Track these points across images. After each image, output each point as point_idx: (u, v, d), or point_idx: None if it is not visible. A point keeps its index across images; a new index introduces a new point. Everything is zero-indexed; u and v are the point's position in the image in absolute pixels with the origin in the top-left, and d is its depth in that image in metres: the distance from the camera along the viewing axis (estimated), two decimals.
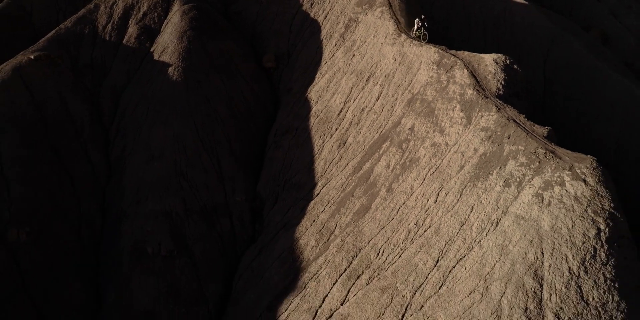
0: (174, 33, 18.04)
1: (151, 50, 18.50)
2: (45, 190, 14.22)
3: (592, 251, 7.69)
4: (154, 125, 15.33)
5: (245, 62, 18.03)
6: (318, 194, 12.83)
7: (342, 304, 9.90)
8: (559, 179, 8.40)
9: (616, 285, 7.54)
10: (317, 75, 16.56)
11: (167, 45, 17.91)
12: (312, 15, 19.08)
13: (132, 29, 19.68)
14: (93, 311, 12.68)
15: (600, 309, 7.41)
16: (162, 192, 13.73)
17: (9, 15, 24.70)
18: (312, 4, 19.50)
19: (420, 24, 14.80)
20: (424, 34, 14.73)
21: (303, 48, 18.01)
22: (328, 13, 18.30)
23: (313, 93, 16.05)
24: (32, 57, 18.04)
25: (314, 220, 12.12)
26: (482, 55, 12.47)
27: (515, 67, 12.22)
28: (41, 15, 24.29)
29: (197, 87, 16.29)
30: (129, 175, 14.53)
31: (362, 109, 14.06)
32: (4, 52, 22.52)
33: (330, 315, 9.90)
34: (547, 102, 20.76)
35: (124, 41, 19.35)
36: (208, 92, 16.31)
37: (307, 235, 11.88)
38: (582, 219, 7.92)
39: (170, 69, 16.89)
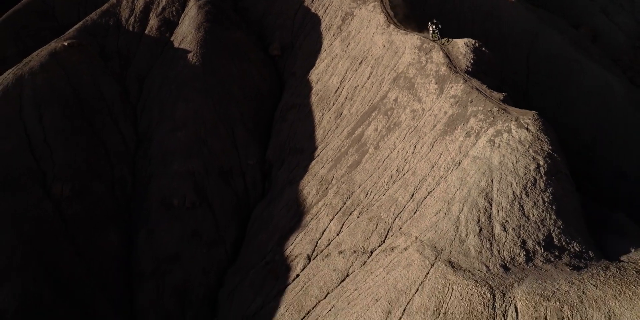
0: (192, 24, 20.46)
1: (171, 39, 20.91)
2: (83, 156, 16.54)
3: (532, 180, 10.07)
4: (177, 102, 17.70)
5: (254, 50, 20.49)
6: (318, 155, 15.24)
7: (337, 235, 12.27)
8: (507, 128, 10.82)
9: (553, 207, 9.89)
10: (317, 61, 19.01)
11: (186, 35, 20.33)
12: (312, 10, 21.55)
13: (153, 21, 22.10)
14: (125, 254, 15.00)
15: (539, 223, 9.76)
16: (186, 156, 16.10)
17: (35, 10, 27.19)
18: (312, 0, 21.97)
19: (434, 27, 15.98)
20: (438, 36, 15.73)
21: (305, 38, 20.47)
22: (327, 8, 20.77)
23: (314, 76, 18.49)
24: (66, 44, 20.41)
25: (314, 175, 14.51)
26: (456, 39, 14.95)
27: (483, 49, 14.69)
28: (63, 10, 26.76)
29: (213, 70, 18.70)
30: (156, 144, 16.89)
31: (355, 87, 16.49)
32: (32, 42, 25.14)
33: (328, 244, 12.26)
34: (529, 89, 22.92)
35: (146, 32, 21.76)
36: (223, 75, 18.72)
37: (309, 187, 14.26)
38: (524, 156, 10.31)
39: (189, 55, 19.29)
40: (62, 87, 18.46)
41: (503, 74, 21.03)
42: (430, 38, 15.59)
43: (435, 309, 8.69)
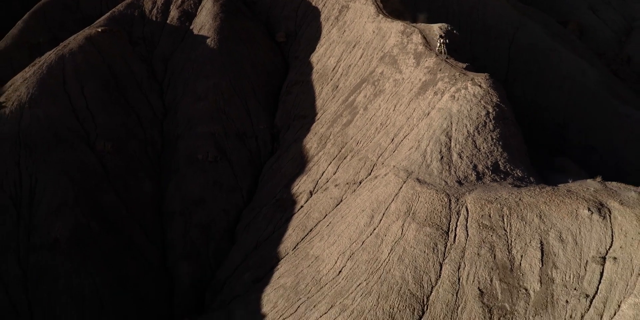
0: (209, 15, 23.63)
1: (190, 28, 24.07)
2: (119, 120, 19.59)
3: (483, 123, 13.22)
4: (198, 78, 20.81)
5: (262, 37, 23.69)
6: (318, 118, 18.39)
7: (334, 174, 15.39)
8: (464, 86, 14.01)
9: (500, 143, 13.03)
10: (317, 46, 22.21)
11: (204, 24, 23.50)
12: (313, 3, 24.79)
13: (173, 13, 25.26)
14: (158, 199, 18.02)
15: (488, 154, 12.88)
16: (208, 120, 19.19)
17: (61, 2, 30.33)
18: None
19: (441, 40, 17.00)
20: (445, 49, 16.74)
21: (307, 28, 23.69)
22: (326, 2, 24.01)
23: (314, 58, 21.69)
24: (99, 30, 23.51)
25: (315, 133, 17.65)
26: (432, 24, 18.21)
27: (454, 32, 17.93)
28: (86, 3, 29.89)
29: (228, 52, 21.85)
30: (182, 112, 19.98)
31: (349, 65, 19.69)
32: (59, 31, 28.23)
33: (327, 182, 15.37)
34: (509, 75, 24.88)
35: (167, 21, 24.91)
36: (237, 57, 21.88)
37: (311, 142, 17.40)
38: (477, 105, 13.48)
39: (208, 40, 22.45)
40: (98, 65, 21.52)
41: (486, 61, 23.98)
42: (437, 50, 16.61)
43: (406, 210, 11.80)
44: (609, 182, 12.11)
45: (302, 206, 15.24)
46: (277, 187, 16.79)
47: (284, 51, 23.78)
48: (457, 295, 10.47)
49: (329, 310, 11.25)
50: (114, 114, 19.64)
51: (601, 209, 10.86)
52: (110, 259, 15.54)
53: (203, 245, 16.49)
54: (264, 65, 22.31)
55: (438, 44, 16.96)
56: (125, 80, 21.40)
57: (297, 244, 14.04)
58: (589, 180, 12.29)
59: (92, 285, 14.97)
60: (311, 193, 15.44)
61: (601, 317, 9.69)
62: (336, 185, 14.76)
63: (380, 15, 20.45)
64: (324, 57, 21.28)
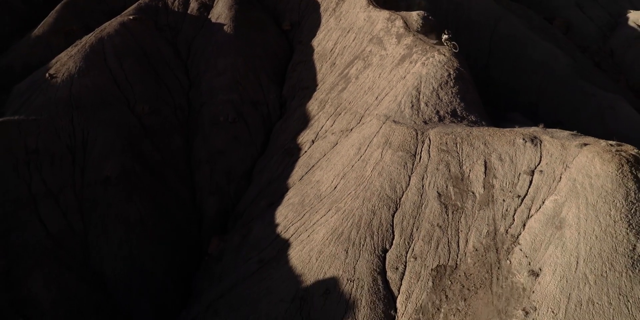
0: (225, 6, 27.69)
1: (209, 17, 28.09)
2: (152, 90, 23.47)
3: (445, 81, 17.24)
4: (218, 57, 24.79)
5: (271, 25, 27.77)
6: (319, 88, 22.41)
7: (331, 126, 19.34)
8: (432, 55, 18.07)
9: (458, 95, 17.04)
10: (317, 32, 26.30)
11: (220, 13, 27.54)
12: None
13: (193, 4, 29.28)
14: (187, 151, 21.87)
15: (448, 103, 16.88)
16: (227, 91, 23.13)
17: None
18: None
19: (446, 36, 19.08)
20: (452, 44, 18.84)
21: (308, 18, 27.80)
22: None
23: (315, 42, 25.77)
24: (131, 17, 27.46)
25: (316, 99, 21.65)
26: (411, 12, 22.35)
27: (430, 17, 22.06)
28: None
29: (242, 37, 25.88)
30: (205, 84, 23.91)
31: (344, 47, 23.78)
32: (88, 20, 32.05)
33: (325, 132, 19.32)
34: (490, 62, 28.58)
35: (188, 11, 28.92)
36: (249, 41, 25.91)
37: (312, 106, 21.39)
38: (441, 69, 17.51)
39: (225, 27, 26.48)
40: (132, 46, 25.42)
41: (469, 50, 27.76)
42: (443, 42, 18.90)
43: (384, 142, 15.77)
44: (549, 129, 16.08)
45: (305, 151, 19.19)
46: (285, 140, 20.74)
47: (289, 37, 27.86)
48: (421, 197, 14.41)
49: (327, 212, 15.16)
50: (148, 84, 23.54)
51: (534, 139, 14.81)
52: (150, 194, 19.36)
53: (225, 185, 20.36)
54: (273, 48, 26.36)
55: (447, 44, 18.79)
56: (155, 59, 25.33)
57: (302, 176, 17.97)
58: (532, 127, 16.27)
59: (137, 213, 18.77)
60: (313, 141, 19.39)
61: (529, 210, 13.55)
62: (332, 133, 18.74)
63: (371, 6, 24.59)
64: (323, 41, 25.36)
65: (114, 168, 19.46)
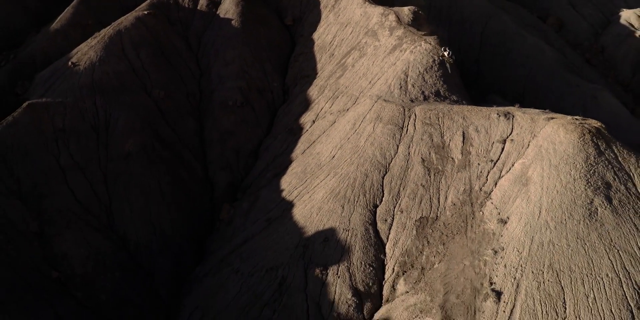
0: (232, 2, 29.96)
1: (217, 13, 30.36)
2: (167, 76, 25.63)
3: (430, 66, 19.49)
4: (227, 49, 27.04)
5: (274, 21, 30.07)
6: (318, 76, 24.66)
7: (329, 108, 21.56)
8: (419, 44, 20.34)
9: (442, 78, 19.32)
10: (318, 26, 28.61)
11: (228, 9, 29.81)
12: None
13: (202, 1, 31.56)
14: (199, 131, 24.05)
15: (432, 85, 19.14)
16: (235, 78, 25.35)
17: None
18: None
19: (445, 51, 19.90)
20: (451, 59, 19.83)
21: (309, 14, 30.12)
22: None
23: (315, 35, 28.07)
24: (145, 12, 29.69)
25: (316, 85, 23.89)
26: (403, 7, 24.66)
27: (420, 12, 24.37)
28: None
29: (249, 31, 28.15)
30: (214, 73, 26.14)
31: (342, 39, 26.06)
32: (102, 16, 34.25)
33: (325, 113, 21.52)
34: (480, 56, 30.45)
35: (198, 7, 31.18)
36: (255, 34, 28.18)
37: (313, 92, 23.63)
38: (427, 55, 19.77)
39: (232, 22, 28.75)
40: (147, 38, 27.62)
41: (461, 44, 29.86)
42: (441, 55, 19.64)
43: (376, 117, 17.98)
44: (523, 108, 18.32)
45: (307, 130, 21.39)
46: (289, 121, 22.95)
47: (291, 32, 30.15)
48: (407, 162, 16.61)
49: (326, 177, 17.35)
50: (163, 72, 25.74)
51: (507, 114, 17.07)
52: (168, 168, 21.51)
53: (235, 161, 22.55)
54: (276, 41, 28.65)
55: (446, 60, 19.47)
56: (168, 50, 27.55)
57: (304, 150, 20.17)
58: (509, 106, 18.53)
59: (156, 184, 20.91)
60: (313, 121, 21.61)
61: (500, 171, 15.76)
62: (331, 114, 20.97)
63: (367, 2, 26.92)
64: (323, 34, 27.66)
65: (134, 145, 21.60)
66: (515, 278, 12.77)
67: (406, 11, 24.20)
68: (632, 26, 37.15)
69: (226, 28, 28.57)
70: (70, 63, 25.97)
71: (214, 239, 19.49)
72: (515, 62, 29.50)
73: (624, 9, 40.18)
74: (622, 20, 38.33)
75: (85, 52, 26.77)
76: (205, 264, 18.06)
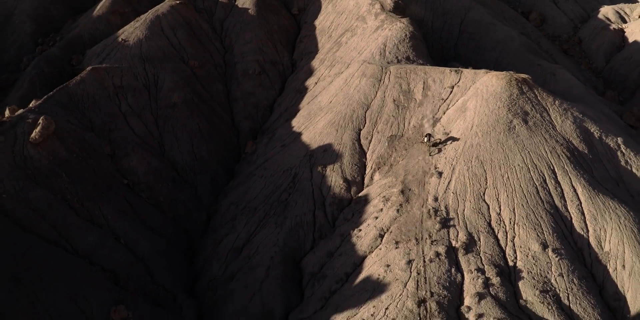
0: None
1: (235, 3, 37.21)
2: (198, 52, 32.32)
3: (403, 39, 26.35)
4: (245, 31, 33.86)
5: (283, 11, 37.04)
6: (319, 51, 31.50)
7: (328, 73, 28.36)
8: (395, 24, 27.25)
9: (412, 48, 26.20)
10: (319, 15, 35.56)
11: (245, 1, 36.69)
12: None
13: None
14: (225, 92, 30.67)
15: (404, 52, 26.00)
16: (253, 53, 32.13)
17: None
18: None
19: (427, 137, 20.85)
20: (432, 141, 20.61)
21: (312, 5, 37.13)
22: None
23: (317, 22, 35.00)
24: (177, 2, 36.43)
25: (317, 58, 30.73)
26: None
27: (400, 2, 31.36)
28: None
29: (263, 17, 35.02)
30: (236, 50, 32.91)
31: (338, 24, 33.02)
32: (137, 5, 40.87)
33: (324, 77, 28.28)
34: (458, 42, 36.58)
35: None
36: (268, 20, 35.05)
37: (315, 63, 30.44)
38: (400, 32, 26.65)
39: (249, 10, 35.63)
40: (181, 21, 34.34)
41: (442, 33, 36.41)
42: (423, 141, 20.76)
43: (362, 73, 24.78)
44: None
45: (311, 89, 28.16)
46: (296, 84, 29.73)
47: (297, 19, 37.15)
48: (383, 101, 23.37)
49: (325, 114, 24.09)
50: (195, 48, 32.46)
51: (457, 70, 23.87)
52: (204, 115, 28.11)
53: (255, 113, 29.25)
54: (285, 26, 35.58)
55: (425, 139, 20.63)
56: (198, 31, 34.30)
57: (309, 102, 26.90)
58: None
59: (196, 125, 27.48)
60: (316, 83, 28.40)
61: (448, 105, 22.44)
62: (329, 76, 27.80)
63: None
64: (323, 21, 34.63)
65: (179, 97, 28.21)
66: (452, 164, 19.52)
67: (389, 1, 31.25)
68: (609, 20, 40.83)
69: (244, 15, 35.41)
70: (120, 39, 32.55)
71: (241, 165, 26.06)
72: (487, 46, 35.64)
73: (605, 6, 43.62)
74: (600, 15, 42.04)
75: (132, 31, 33.38)
76: (236, 178, 24.63)
